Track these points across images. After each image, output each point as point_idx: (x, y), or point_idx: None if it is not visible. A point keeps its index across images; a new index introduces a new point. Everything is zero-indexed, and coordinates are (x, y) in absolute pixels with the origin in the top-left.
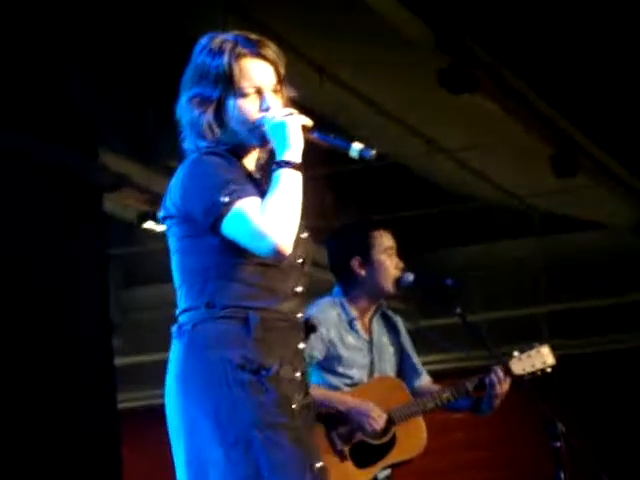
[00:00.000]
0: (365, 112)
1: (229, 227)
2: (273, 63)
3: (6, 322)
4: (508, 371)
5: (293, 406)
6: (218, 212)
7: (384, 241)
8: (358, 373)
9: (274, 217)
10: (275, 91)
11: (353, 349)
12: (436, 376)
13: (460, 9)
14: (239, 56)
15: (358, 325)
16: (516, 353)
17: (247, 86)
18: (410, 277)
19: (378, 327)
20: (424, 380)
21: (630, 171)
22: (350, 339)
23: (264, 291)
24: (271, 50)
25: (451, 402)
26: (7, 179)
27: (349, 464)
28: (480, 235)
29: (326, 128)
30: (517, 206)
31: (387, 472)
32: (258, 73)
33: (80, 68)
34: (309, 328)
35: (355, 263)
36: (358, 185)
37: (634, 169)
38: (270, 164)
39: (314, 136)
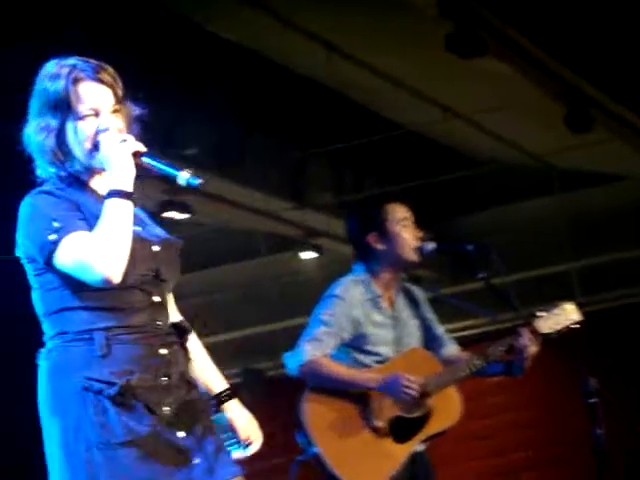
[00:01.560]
0: (377, 83)
1: (60, 263)
2: (110, 86)
3: None
4: (534, 331)
5: (164, 409)
6: (48, 251)
7: (398, 213)
8: (386, 349)
9: (97, 249)
10: (115, 111)
11: (379, 326)
12: (466, 342)
13: None
14: (76, 80)
15: (382, 302)
16: (541, 312)
17: (84, 109)
18: (430, 245)
19: (401, 302)
20: (451, 349)
21: None
22: (376, 316)
23: (109, 312)
24: (107, 73)
25: (483, 368)
26: None
27: (388, 440)
28: (501, 197)
29: (155, 155)
30: (536, 165)
31: (424, 444)
32: (95, 96)
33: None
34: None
35: (372, 238)
36: (377, 157)
37: None
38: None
39: (144, 162)
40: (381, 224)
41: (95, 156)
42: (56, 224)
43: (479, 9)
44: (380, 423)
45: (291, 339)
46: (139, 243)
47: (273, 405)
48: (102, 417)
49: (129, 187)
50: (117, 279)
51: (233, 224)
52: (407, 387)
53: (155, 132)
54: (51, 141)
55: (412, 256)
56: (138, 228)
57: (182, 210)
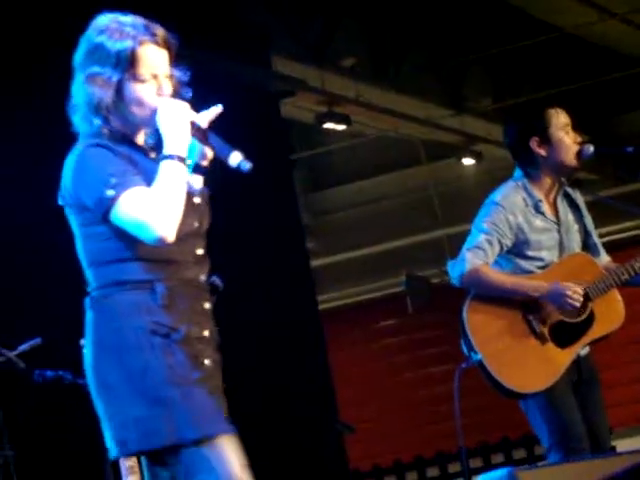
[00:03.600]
0: None
1: (116, 219)
2: (168, 49)
3: None
4: None
5: (206, 361)
6: (105, 206)
7: (560, 119)
8: (548, 254)
9: (154, 209)
10: (168, 76)
11: (541, 231)
12: (627, 243)
13: None
14: (141, 43)
15: (544, 207)
16: None
17: (145, 72)
18: (590, 149)
19: (562, 206)
20: (604, 259)
21: None
22: (537, 222)
23: (165, 263)
24: (164, 35)
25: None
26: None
27: (550, 345)
28: None
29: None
30: None
31: (588, 348)
32: (156, 60)
33: None
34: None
35: (534, 143)
36: (534, 61)
37: None
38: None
39: (201, 136)
40: (543, 130)
41: (147, 120)
42: (113, 179)
43: None
44: (543, 328)
45: (454, 246)
46: (186, 198)
47: (436, 312)
48: (171, 358)
49: (184, 152)
50: (171, 239)
51: (393, 133)
52: (570, 297)
53: (312, 42)
54: (108, 94)
55: (573, 161)
56: None
57: (341, 121)
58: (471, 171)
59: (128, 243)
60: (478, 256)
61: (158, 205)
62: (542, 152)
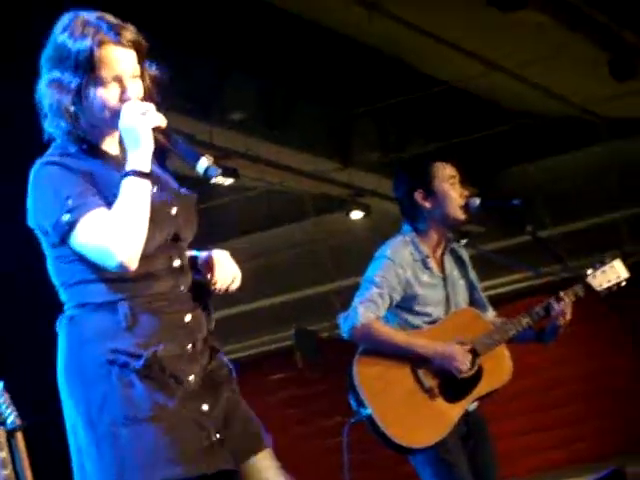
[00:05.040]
0: (419, 40)
1: (74, 245)
2: (133, 48)
3: None
4: (589, 288)
5: (190, 378)
6: (62, 232)
7: (446, 172)
8: (435, 310)
9: (116, 233)
10: (135, 76)
11: (428, 287)
12: (512, 297)
13: None
14: (101, 43)
15: (431, 262)
16: (590, 270)
17: (107, 75)
18: (476, 202)
19: (449, 261)
20: (490, 314)
21: None
22: (425, 277)
23: (131, 281)
24: (131, 34)
25: (531, 327)
26: None
27: (439, 400)
28: (547, 149)
29: (175, 134)
30: (581, 115)
31: (476, 403)
32: (119, 61)
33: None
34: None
35: (420, 196)
36: (421, 114)
37: None
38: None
39: (165, 141)
40: (429, 183)
41: (113, 124)
42: (70, 202)
43: None
44: (432, 383)
45: (343, 299)
46: (157, 207)
47: (325, 366)
48: (129, 391)
49: (147, 166)
50: (133, 264)
51: (281, 187)
52: (459, 363)
53: (200, 96)
54: (67, 100)
55: (459, 214)
56: (155, 188)
57: (229, 175)
58: (360, 224)
59: (91, 264)
60: (370, 309)
61: (118, 229)
62: (428, 205)
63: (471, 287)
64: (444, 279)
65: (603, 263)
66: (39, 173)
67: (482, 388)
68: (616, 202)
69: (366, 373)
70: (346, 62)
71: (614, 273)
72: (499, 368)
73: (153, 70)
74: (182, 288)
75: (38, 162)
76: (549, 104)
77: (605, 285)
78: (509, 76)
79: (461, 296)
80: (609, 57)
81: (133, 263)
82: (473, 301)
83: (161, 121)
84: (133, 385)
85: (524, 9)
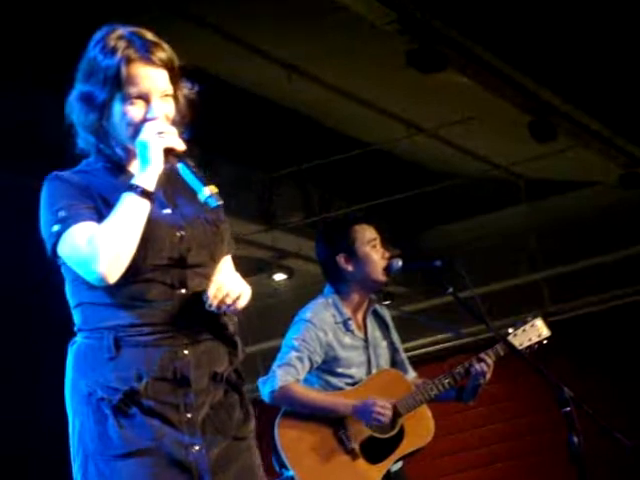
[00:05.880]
0: (340, 103)
1: (62, 255)
2: (165, 66)
3: None
4: (510, 347)
5: (186, 416)
6: (52, 242)
7: (366, 234)
8: (357, 371)
9: (99, 245)
10: (166, 95)
11: (350, 349)
12: (437, 357)
13: None
14: (129, 60)
15: (353, 325)
16: (511, 330)
17: (133, 92)
18: (398, 263)
19: (371, 323)
20: (411, 375)
21: (608, 126)
22: (347, 339)
23: (122, 308)
24: (164, 53)
25: (452, 387)
26: None
27: (361, 461)
28: (469, 210)
29: (190, 160)
30: (502, 176)
31: (399, 463)
32: (146, 79)
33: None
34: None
35: (341, 259)
36: (344, 176)
37: (612, 124)
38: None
39: (176, 164)
40: (349, 246)
41: (134, 142)
42: (62, 213)
43: (438, 24)
44: (354, 444)
45: (267, 362)
46: (163, 229)
47: None
48: (101, 427)
49: (151, 184)
50: (112, 279)
51: None
52: (378, 412)
53: None
54: (95, 115)
55: (381, 276)
56: (167, 211)
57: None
58: (283, 286)
59: (84, 284)
60: (289, 373)
61: (102, 240)
62: (349, 268)
63: (393, 349)
64: (366, 341)
65: (524, 322)
66: (43, 188)
67: (404, 448)
68: (537, 262)
69: (288, 435)
70: (268, 124)
71: (535, 332)
72: (421, 428)
73: (188, 91)
74: (186, 319)
75: (46, 178)
76: (472, 165)
77: (526, 344)
78: (431, 138)
79: (383, 358)
80: (530, 119)
81: (112, 275)
82: (395, 363)
83: (178, 144)
84: (106, 420)
85: (444, 71)
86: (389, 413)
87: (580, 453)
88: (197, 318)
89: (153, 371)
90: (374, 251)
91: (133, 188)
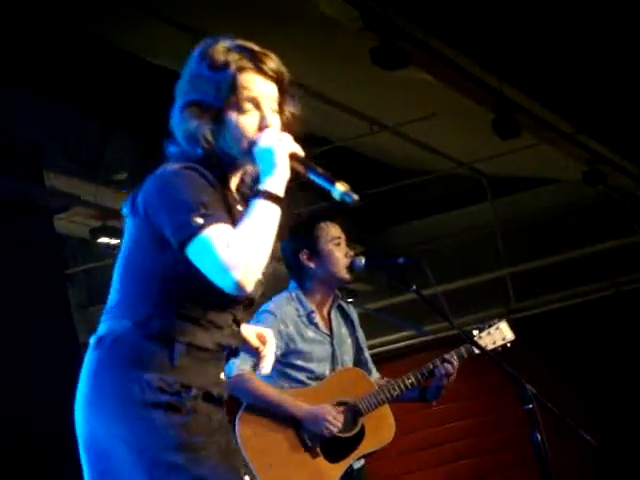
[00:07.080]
0: (303, 99)
1: (194, 252)
2: (276, 79)
3: None
4: (475, 345)
5: (214, 424)
6: (186, 234)
7: (330, 232)
8: (319, 366)
9: (240, 252)
10: (277, 111)
11: (312, 342)
12: (401, 354)
13: None
14: (242, 69)
15: (317, 318)
16: (476, 332)
17: (248, 102)
18: (362, 261)
19: (336, 319)
20: (375, 375)
21: (572, 123)
22: (309, 333)
23: (196, 326)
24: (275, 65)
25: (415, 387)
26: None
27: (321, 460)
28: (433, 207)
29: (314, 162)
30: (466, 173)
31: (362, 461)
32: (260, 89)
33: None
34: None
35: (304, 257)
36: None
37: (575, 121)
38: (251, 188)
39: (301, 169)
40: (313, 243)
41: (248, 153)
42: (204, 208)
43: (401, 21)
44: (314, 442)
45: None
46: None
47: None
48: (183, 417)
49: (281, 190)
50: (249, 287)
51: None
52: (329, 424)
53: (83, 158)
54: (204, 128)
55: (344, 274)
56: None
57: (115, 235)
58: None
59: (174, 286)
60: (246, 362)
61: (243, 247)
62: (312, 265)
63: (357, 347)
64: (331, 336)
65: (489, 325)
66: (177, 173)
67: (364, 448)
68: (502, 259)
69: (248, 431)
70: None
71: (500, 334)
72: (382, 428)
73: (293, 106)
74: (230, 347)
75: (171, 166)
76: (436, 162)
77: (490, 347)
78: (395, 135)
79: (347, 354)
80: (493, 116)
81: (248, 285)
82: (358, 361)
83: (298, 150)
84: (187, 412)
85: (407, 67)
86: (339, 425)
87: (543, 450)
88: (232, 349)
89: (207, 383)
90: (337, 249)
91: (266, 194)
